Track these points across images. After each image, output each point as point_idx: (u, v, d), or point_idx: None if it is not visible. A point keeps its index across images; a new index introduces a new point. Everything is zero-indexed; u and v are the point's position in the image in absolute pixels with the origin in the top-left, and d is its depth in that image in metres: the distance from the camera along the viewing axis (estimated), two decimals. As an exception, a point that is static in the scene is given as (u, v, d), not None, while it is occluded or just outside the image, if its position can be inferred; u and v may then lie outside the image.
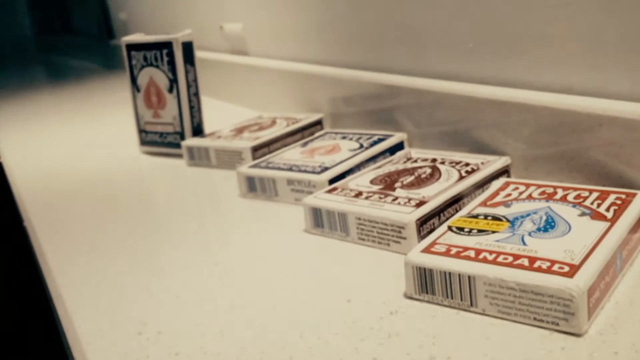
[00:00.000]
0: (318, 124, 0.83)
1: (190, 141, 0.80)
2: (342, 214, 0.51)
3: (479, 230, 0.44)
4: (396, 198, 0.51)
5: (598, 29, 0.51)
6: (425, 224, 0.49)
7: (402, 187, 0.54)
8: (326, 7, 0.85)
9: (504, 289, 0.37)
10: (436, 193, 0.51)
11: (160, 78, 0.84)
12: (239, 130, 0.81)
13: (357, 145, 0.68)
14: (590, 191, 0.48)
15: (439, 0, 0.66)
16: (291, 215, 0.59)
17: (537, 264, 0.38)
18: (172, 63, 0.82)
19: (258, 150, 0.74)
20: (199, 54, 1.21)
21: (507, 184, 0.52)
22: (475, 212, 0.47)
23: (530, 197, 0.49)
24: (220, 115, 1.05)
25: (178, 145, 0.83)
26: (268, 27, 1.02)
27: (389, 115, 0.73)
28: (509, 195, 0.49)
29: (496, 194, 0.50)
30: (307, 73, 0.88)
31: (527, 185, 0.51)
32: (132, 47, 0.87)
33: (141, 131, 0.88)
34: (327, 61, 0.88)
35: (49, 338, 1.27)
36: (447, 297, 0.40)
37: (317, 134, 0.76)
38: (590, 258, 0.38)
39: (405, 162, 0.61)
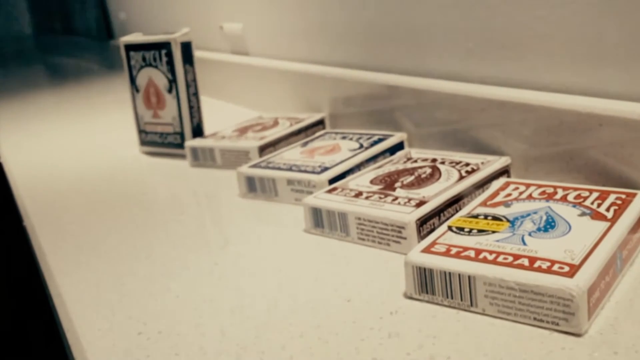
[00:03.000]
0: (320, 123, 0.83)
1: (193, 142, 0.79)
2: (342, 214, 0.51)
3: (479, 230, 0.44)
4: (396, 198, 0.51)
5: (598, 29, 0.51)
6: (425, 224, 0.49)
7: (402, 187, 0.54)
8: (326, 7, 0.85)
9: (504, 289, 0.37)
10: (436, 193, 0.51)
11: (159, 78, 0.83)
12: (242, 131, 0.81)
13: (357, 145, 0.68)
14: (590, 191, 0.48)
15: (438, 0, 0.66)
16: (291, 215, 0.59)
17: (537, 264, 0.38)
18: (170, 63, 0.82)
19: (265, 149, 0.74)
20: (198, 54, 1.21)
21: (507, 184, 0.52)
22: (475, 212, 0.47)
23: (530, 197, 0.49)
24: (220, 115, 1.05)
25: (178, 146, 0.83)
26: (268, 27, 1.02)
27: (389, 115, 0.73)
28: (509, 195, 0.49)
29: (496, 194, 0.50)
30: (307, 73, 0.88)
31: (527, 185, 0.51)
32: (130, 47, 0.87)
33: (141, 131, 0.88)
34: (327, 61, 0.88)
35: (49, 338, 1.27)
36: (447, 297, 0.40)
37: (317, 134, 0.76)
38: (590, 258, 0.38)
39: (405, 162, 0.61)
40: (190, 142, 0.79)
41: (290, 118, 0.85)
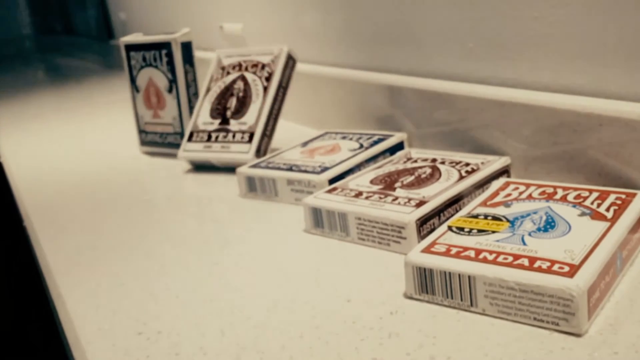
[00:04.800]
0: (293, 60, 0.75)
1: (188, 154, 0.74)
2: (342, 214, 0.51)
3: (479, 230, 0.44)
4: (396, 198, 0.51)
5: (598, 29, 0.51)
6: (425, 224, 0.49)
7: (402, 187, 0.54)
8: (326, 7, 0.85)
9: (504, 289, 0.37)
10: (436, 193, 0.51)
11: (160, 78, 0.84)
12: (221, 118, 0.75)
13: (357, 145, 0.68)
14: (590, 191, 0.48)
15: (439, 0, 0.66)
16: (291, 215, 0.59)
17: (537, 264, 0.38)
18: (171, 63, 0.82)
19: (259, 153, 0.73)
20: (198, 54, 1.21)
21: (507, 184, 0.52)
22: (475, 212, 0.47)
23: (530, 197, 0.48)
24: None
25: (178, 146, 0.83)
26: (268, 27, 1.02)
27: (389, 115, 0.73)
28: (509, 195, 0.49)
29: (496, 194, 0.50)
30: (307, 73, 0.88)
31: (527, 185, 0.51)
32: (130, 47, 0.87)
33: (141, 131, 0.88)
34: (327, 61, 0.88)
35: (49, 338, 1.27)
36: (447, 297, 0.40)
37: (317, 134, 0.76)
38: (590, 258, 0.38)
39: (405, 162, 0.61)
40: (186, 155, 0.76)
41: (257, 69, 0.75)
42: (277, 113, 0.74)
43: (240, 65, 0.78)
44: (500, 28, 0.60)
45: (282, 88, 0.75)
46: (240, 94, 0.75)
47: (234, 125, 0.74)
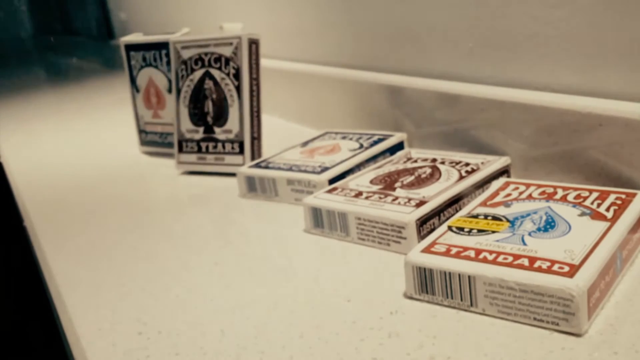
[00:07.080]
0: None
1: (185, 166, 0.74)
2: (342, 214, 0.51)
3: (479, 230, 0.44)
4: (396, 198, 0.51)
5: (598, 29, 0.51)
6: (425, 224, 0.49)
7: (402, 187, 0.54)
8: (326, 7, 0.85)
9: (504, 289, 0.37)
10: (436, 193, 0.51)
11: (160, 78, 0.83)
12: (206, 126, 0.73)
13: (357, 145, 0.68)
14: (590, 191, 0.48)
15: (439, 0, 0.66)
16: (291, 215, 0.59)
17: (537, 264, 0.38)
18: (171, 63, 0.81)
19: (253, 157, 0.73)
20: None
21: (507, 184, 0.52)
22: (475, 212, 0.47)
23: (530, 197, 0.48)
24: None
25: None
26: (268, 27, 1.02)
27: (389, 115, 0.73)
28: (509, 195, 0.49)
29: (496, 194, 0.50)
30: (307, 73, 0.88)
31: (527, 185, 0.51)
32: (130, 47, 0.87)
33: (141, 131, 0.88)
34: (327, 61, 0.88)
35: (49, 338, 1.27)
36: (447, 297, 0.40)
37: (317, 134, 0.76)
38: (590, 258, 0.38)
39: (405, 162, 0.61)
40: (182, 167, 0.75)
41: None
42: (257, 109, 0.71)
43: (202, 59, 0.73)
44: (500, 28, 0.60)
45: (254, 80, 0.70)
46: (214, 96, 0.71)
47: (219, 133, 0.71)
